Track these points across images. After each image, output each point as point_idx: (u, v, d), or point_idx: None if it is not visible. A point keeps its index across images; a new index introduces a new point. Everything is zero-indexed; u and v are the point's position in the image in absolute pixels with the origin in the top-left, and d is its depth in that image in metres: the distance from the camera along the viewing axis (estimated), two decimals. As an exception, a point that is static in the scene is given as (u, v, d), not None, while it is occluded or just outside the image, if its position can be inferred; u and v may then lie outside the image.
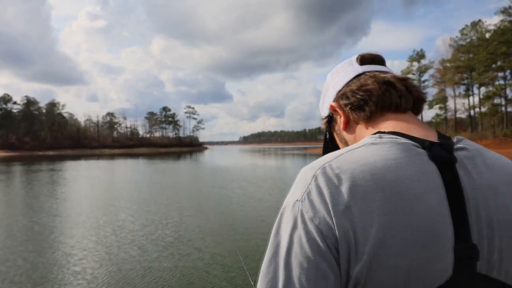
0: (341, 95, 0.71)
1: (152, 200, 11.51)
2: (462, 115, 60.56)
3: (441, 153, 0.54)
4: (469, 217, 0.50)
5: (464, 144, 0.57)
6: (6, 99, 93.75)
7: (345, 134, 0.73)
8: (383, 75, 0.68)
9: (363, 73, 0.70)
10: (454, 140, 0.58)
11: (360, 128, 0.68)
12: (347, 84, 0.71)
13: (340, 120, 0.72)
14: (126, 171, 25.69)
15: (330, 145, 0.79)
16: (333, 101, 0.73)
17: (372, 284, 0.47)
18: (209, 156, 55.18)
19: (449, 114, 61.26)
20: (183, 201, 11.42)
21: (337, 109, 0.72)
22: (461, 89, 57.68)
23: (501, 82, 50.97)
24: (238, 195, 12.34)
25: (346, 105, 0.69)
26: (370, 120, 0.66)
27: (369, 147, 0.55)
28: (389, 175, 0.50)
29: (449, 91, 60.04)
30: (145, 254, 5.90)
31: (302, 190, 0.53)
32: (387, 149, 0.54)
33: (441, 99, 59.81)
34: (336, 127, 0.76)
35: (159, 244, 6.49)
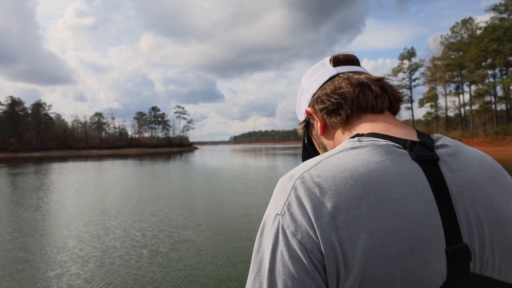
0: (316, 99, 0.68)
1: (145, 213, 10.57)
2: (452, 113, 60.96)
3: (423, 152, 0.52)
4: (457, 216, 0.48)
5: (444, 141, 0.56)
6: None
7: (323, 139, 0.71)
8: (357, 76, 0.66)
9: (337, 74, 0.68)
10: (434, 137, 0.57)
11: (338, 133, 0.66)
12: (322, 87, 0.69)
13: (317, 125, 0.70)
14: (114, 174, 24.56)
15: (310, 150, 0.77)
16: (309, 105, 0.71)
17: None
18: (201, 157, 53.96)
19: (440, 112, 61.63)
20: (183, 214, 10.47)
21: (313, 114, 0.69)
22: (452, 87, 58.02)
23: (491, 80, 51.40)
24: (247, 204, 11.46)
25: (321, 110, 0.67)
26: (347, 123, 0.64)
27: (349, 152, 0.53)
28: (372, 179, 0.48)
29: (439, 89, 60.45)
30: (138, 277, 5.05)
31: (281, 203, 0.50)
32: (367, 152, 0.52)
33: (432, 97, 60.04)
34: (314, 132, 0.74)
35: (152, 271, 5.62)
